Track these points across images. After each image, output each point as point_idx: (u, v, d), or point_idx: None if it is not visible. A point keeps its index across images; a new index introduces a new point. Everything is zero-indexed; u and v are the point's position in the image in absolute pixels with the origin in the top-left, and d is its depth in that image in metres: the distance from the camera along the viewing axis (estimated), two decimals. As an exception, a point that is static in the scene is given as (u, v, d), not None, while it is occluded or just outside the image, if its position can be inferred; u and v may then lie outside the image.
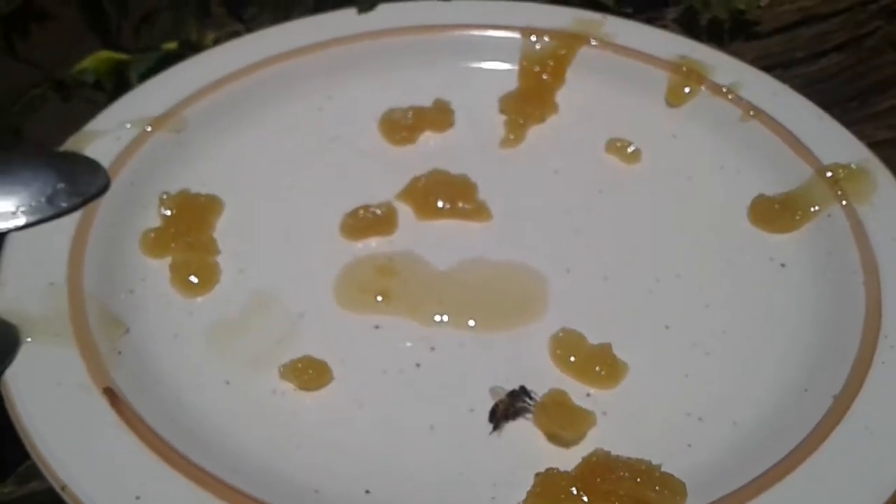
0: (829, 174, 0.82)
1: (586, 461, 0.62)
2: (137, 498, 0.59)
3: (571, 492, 0.60)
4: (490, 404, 0.68)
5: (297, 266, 0.77)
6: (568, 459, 0.64)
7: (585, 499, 0.60)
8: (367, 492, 0.64)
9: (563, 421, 0.66)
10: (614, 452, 0.63)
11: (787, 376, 0.68)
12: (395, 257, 0.80)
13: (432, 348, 0.73)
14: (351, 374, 0.70)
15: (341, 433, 0.65)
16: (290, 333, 0.75)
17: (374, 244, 0.82)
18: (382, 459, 0.64)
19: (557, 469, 0.62)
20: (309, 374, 0.70)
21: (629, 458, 0.62)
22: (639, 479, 0.60)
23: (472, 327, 0.75)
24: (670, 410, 0.68)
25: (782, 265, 0.79)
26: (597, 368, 0.70)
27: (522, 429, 0.68)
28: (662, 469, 0.61)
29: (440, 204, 0.84)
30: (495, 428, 0.68)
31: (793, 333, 0.71)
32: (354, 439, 0.65)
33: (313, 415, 0.67)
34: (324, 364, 0.71)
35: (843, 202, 0.80)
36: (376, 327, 0.75)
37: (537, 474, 0.62)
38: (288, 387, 0.71)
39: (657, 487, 0.59)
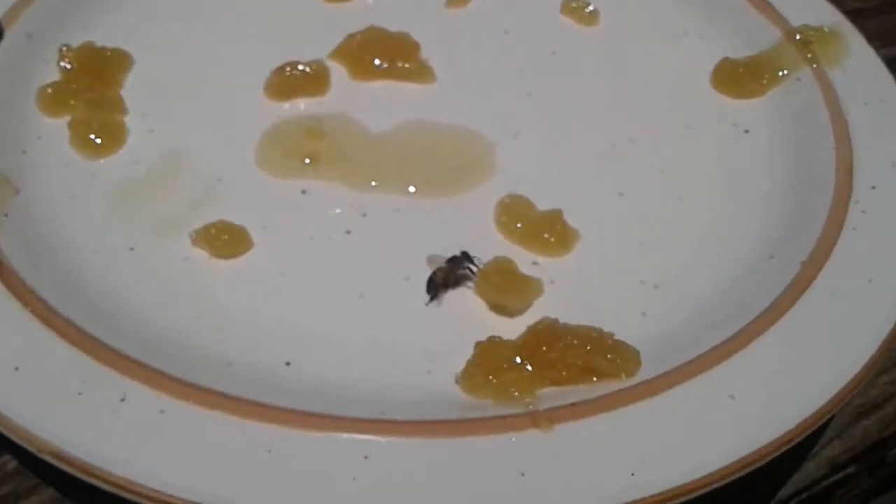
0: (798, 37, 0.76)
1: (531, 330, 0.56)
2: (16, 369, 0.52)
3: (514, 361, 0.55)
4: (428, 273, 0.62)
5: (215, 127, 0.71)
6: (512, 330, 0.58)
7: (529, 367, 0.54)
8: (288, 364, 0.57)
9: (508, 289, 0.60)
10: (563, 322, 0.57)
11: (750, 244, 0.65)
12: (325, 120, 0.72)
13: (364, 214, 0.66)
14: (273, 241, 0.64)
15: (259, 303, 0.60)
16: (205, 198, 0.67)
17: (302, 106, 0.74)
18: (304, 330, 0.59)
19: (500, 337, 0.56)
20: (224, 239, 0.63)
21: (579, 326, 0.56)
22: (588, 348, 0.54)
23: (410, 193, 0.68)
24: (623, 279, 0.63)
25: (746, 131, 0.74)
26: (545, 235, 0.64)
27: (463, 298, 0.62)
28: (615, 338, 0.56)
29: (377, 63, 0.75)
30: (433, 298, 0.62)
31: (756, 200, 0.68)
32: (274, 309, 0.60)
33: (229, 284, 0.61)
34: (242, 230, 0.64)
35: (814, 66, 0.74)
36: (303, 192, 0.68)
37: (477, 344, 0.56)
38: (200, 254, 0.63)
39: (609, 355, 0.54)
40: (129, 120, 0.71)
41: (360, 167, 0.69)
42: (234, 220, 0.64)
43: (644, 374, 0.55)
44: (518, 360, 0.55)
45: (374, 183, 0.68)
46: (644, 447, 0.50)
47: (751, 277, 0.62)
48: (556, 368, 0.54)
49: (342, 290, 0.61)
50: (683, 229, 0.66)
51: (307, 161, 0.69)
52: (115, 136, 0.69)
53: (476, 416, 0.52)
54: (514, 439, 0.50)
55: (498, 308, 0.61)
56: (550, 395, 0.54)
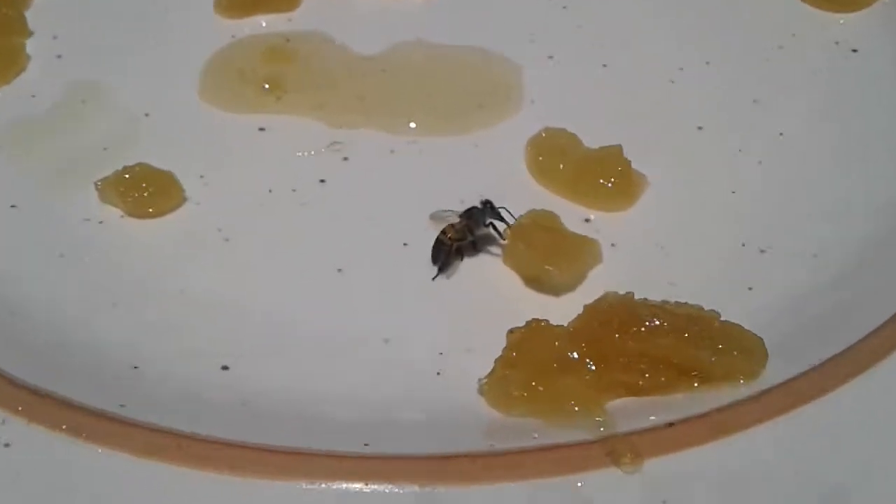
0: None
1: (592, 308, 0.37)
2: None
3: (570, 356, 0.36)
4: (434, 236, 0.43)
5: (146, 52, 0.56)
6: (559, 314, 0.39)
7: (592, 366, 0.35)
8: (225, 368, 0.39)
9: (552, 253, 0.41)
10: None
11: (877, 189, 0.48)
12: (294, 38, 0.53)
13: (345, 158, 0.48)
14: (214, 194, 0.48)
15: (189, 281, 0.43)
16: (123, 138, 0.48)
17: (263, 23, 0.55)
18: (253, 319, 0.42)
19: (546, 321, 0.37)
20: (143, 191, 0.45)
21: (665, 303, 0.37)
22: (686, 334, 0.35)
23: (410, 129, 0.49)
24: (714, 240, 0.45)
25: (854, 50, 0.54)
26: (601, 181, 0.45)
27: (486, 269, 0.44)
28: (723, 320, 0.37)
29: (363, -32, 0.57)
30: (442, 269, 0.43)
31: (872, 135, 0.51)
32: (209, 290, 0.43)
33: (147, 254, 0.45)
34: (169, 178, 0.46)
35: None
36: (261, 130, 0.49)
37: (511, 332, 0.37)
38: (109, 212, 0.46)
39: (719, 345, 0.35)
40: (33, 43, 0.56)
41: (339, 96, 0.51)
42: (161, 165, 0.46)
43: (771, 376, 0.35)
44: (575, 354, 0.36)
45: (359, 117, 0.49)
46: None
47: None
48: (634, 368, 0.35)
49: (312, 262, 0.44)
50: (791, 173, 0.48)
51: (266, 87, 0.50)
52: (11, 61, 0.54)
53: (514, 446, 0.33)
54: (580, 484, 0.31)
55: (537, 282, 0.42)
56: (629, 411, 0.35)
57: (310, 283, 0.43)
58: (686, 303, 0.37)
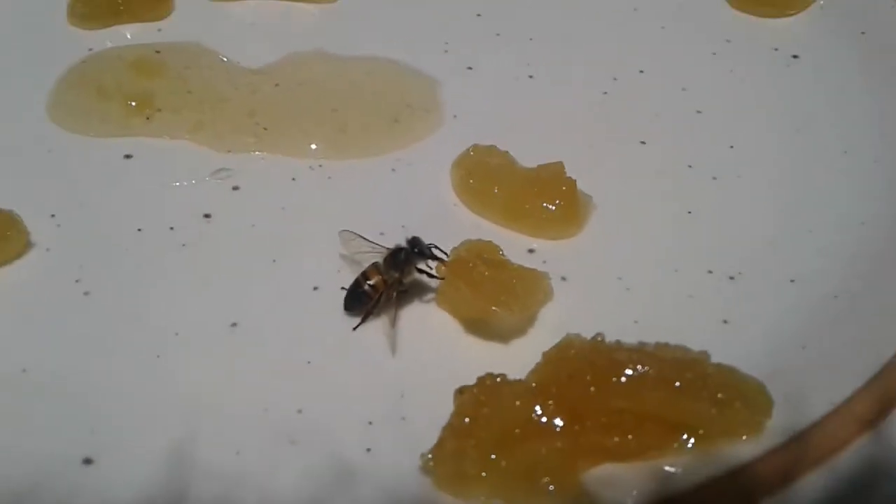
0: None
1: (555, 356, 0.30)
2: None
3: (535, 419, 0.28)
4: (348, 278, 0.35)
5: None
6: (509, 365, 0.31)
7: (563, 428, 0.28)
8: (87, 461, 0.29)
9: (497, 291, 0.34)
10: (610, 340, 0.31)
11: (847, 201, 0.42)
12: (165, 49, 0.45)
13: (236, 188, 0.40)
14: (71, 236, 0.37)
15: (35, 349, 0.35)
16: (-52, 173, 0.39)
17: (128, 34, 0.46)
18: (121, 395, 0.33)
19: (503, 376, 0.30)
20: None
21: (644, 345, 0.31)
22: (678, 384, 0.28)
23: (314, 151, 0.41)
24: (676, 268, 0.38)
25: (794, 56, 0.50)
26: (543, 204, 0.38)
27: (416, 315, 0.35)
28: (714, 362, 0.30)
29: (248, -28, 0.49)
30: (364, 320, 0.35)
31: (830, 143, 0.46)
32: (61, 358, 0.34)
33: None
34: (11, 219, 0.36)
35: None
36: (126, 157, 0.40)
37: (460, 392, 0.30)
38: None
39: (719, 395, 0.28)
40: None
41: (225, 114, 0.42)
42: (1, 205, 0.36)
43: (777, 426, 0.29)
44: (542, 416, 0.28)
45: (250, 138, 0.41)
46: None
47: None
48: (616, 428, 0.28)
49: (198, 316, 0.36)
50: (749, 189, 0.42)
51: (133, 105, 0.41)
52: None
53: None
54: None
55: (482, 326, 0.35)
56: (613, 480, 0.28)
57: (196, 342, 0.34)
58: (667, 343, 0.31)
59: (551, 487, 0.27)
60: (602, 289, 0.37)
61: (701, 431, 0.28)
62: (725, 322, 0.36)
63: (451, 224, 0.39)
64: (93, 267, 0.36)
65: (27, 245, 0.36)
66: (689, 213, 0.41)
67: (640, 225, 0.40)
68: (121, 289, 0.35)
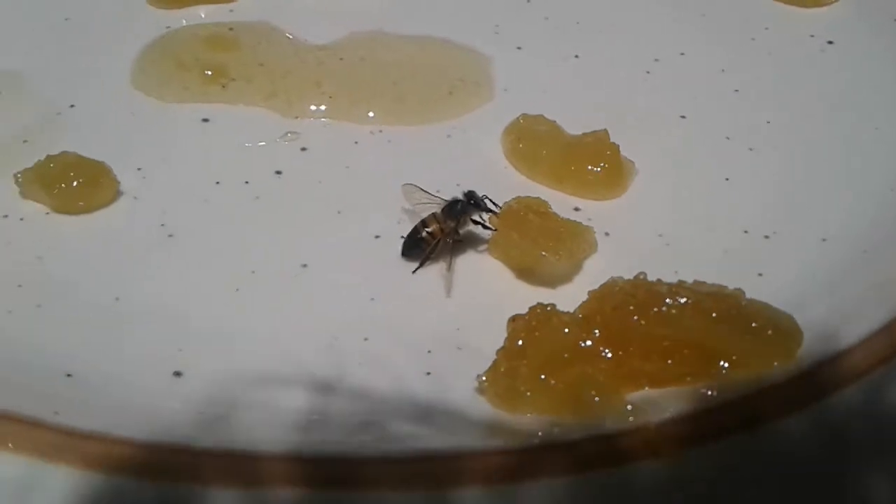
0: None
1: (600, 293, 0.33)
2: None
3: (582, 345, 0.31)
4: (406, 228, 0.38)
5: (68, 43, 0.50)
6: (557, 304, 0.34)
7: (608, 353, 0.31)
8: (177, 374, 0.33)
9: (545, 239, 0.37)
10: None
11: (873, 173, 0.45)
12: (238, 27, 0.49)
13: (304, 149, 0.43)
14: (156, 187, 0.41)
15: (130, 282, 0.37)
16: (47, 131, 0.43)
17: (202, 14, 0.50)
18: (206, 321, 0.36)
19: (552, 306, 0.33)
20: (72, 182, 0.38)
21: (682, 283, 0.33)
22: (715, 314, 0.31)
23: (376, 119, 0.44)
24: (714, 227, 0.41)
25: (829, 42, 0.53)
26: (589, 167, 0.41)
27: (470, 262, 0.38)
28: (749, 298, 0.33)
29: (312, -43, 0.53)
30: (422, 264, 0.38)
31: (862, 122, 0.48)
32: (154, 290, 0.37)
33: (78, 255, 0.38)
34: (101, 169, 0.39)
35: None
36: (204, 120, 0.44)
37: (514, 319, 0.32)
38: (33, 208, 0.38)
39: (753, 324, 0.31)
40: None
41: (293, 84, 0.46)
42: (92, 157, 0.40)
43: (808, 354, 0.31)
44: (588, 342, 0.31)
45: (314, 107, 0.44)
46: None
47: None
48: (657, 354, 0.31)
49: (273, 257, 0.39)
50: (784, 160, 0.45)
51: (209, 73, 0.45)
52: None
53: (532, 443, 0.28)
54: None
55: (531, 272, 0.38)
56: (653, 403, 0.30)
57: (271, 280, 0.37)
58: (704, 282, 0.33)
59: (597, 399, 0.29)
60: (643, 244, 0.40)
61: (734, 357, 0.31)
62: (760, 275, 0.39)
63: (502, 185, 0.42)
64: (176, 214, 0.39)
65: (117, 193, 0.40)
66: (727, 179, 0.44)
67: (679, 189, 0.43)
68: (201, 232, 0.39)
